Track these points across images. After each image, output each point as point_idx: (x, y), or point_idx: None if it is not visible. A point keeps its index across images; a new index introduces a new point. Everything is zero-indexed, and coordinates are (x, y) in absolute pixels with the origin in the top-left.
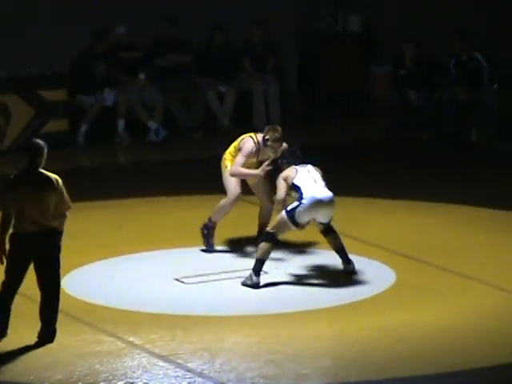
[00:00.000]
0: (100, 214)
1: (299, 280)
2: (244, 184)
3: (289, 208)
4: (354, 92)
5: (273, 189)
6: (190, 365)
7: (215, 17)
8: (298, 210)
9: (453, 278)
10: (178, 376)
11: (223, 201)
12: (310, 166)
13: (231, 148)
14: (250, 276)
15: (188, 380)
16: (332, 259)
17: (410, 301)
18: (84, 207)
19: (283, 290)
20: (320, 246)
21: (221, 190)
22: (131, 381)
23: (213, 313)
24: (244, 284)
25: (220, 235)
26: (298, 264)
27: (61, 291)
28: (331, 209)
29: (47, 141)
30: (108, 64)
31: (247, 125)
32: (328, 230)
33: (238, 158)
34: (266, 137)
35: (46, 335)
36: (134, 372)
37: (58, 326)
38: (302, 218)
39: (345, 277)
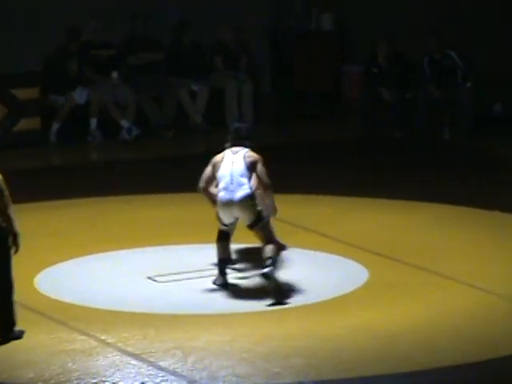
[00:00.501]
0: (72, 213)
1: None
2: None
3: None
4: (328, 91)
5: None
6: (162, 363)
7: (188, 15)
8: (217, 210)
9: (426, 276)
10: (150, 374)
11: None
12: (238, 156)
13: None
14: (217, 276)
15: (160, 378)
16: (304, 258)
17: (382, 299)
18: (56, 206)
19: (255, 288)
20: (291, 244)
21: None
22: (103, 379)
23: (185, 311)
24: (214, 283)
25: (194, 233)
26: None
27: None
28: (246, 209)
29: (19, 139)
30: (81, 62)
31: (220, 123)
32: (267, 243)
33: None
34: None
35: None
36: (106, 370)
37: (31, 324)
38: (223, 219)
39: (317, 275)
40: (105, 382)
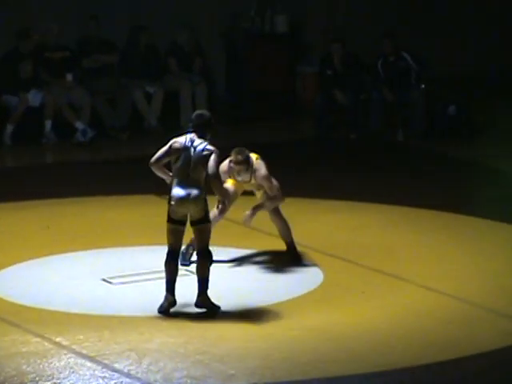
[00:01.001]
0: (26, 215)
1: (225, 281)
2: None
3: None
4: (282, 92)
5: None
6: (116, 365)
7: (139, 17)
8: (170, 208)
9: (381, 277)
10: (105, 377)
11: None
12: (197, 150)
13: None
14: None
15: (115, 380)
16: (259, 259)
17: (337, 301)
18: (10, 207)
19: (210, 290)
20: (247, 246)
21: (148, 190)
22: (58, 381)
23: (140, 313)
24: (161, 309)
25: (149, 235)
26: (223, 265)
27: None
28: (198, 206)
29: None
30: (35, 64)
31: (174, 125)
32: (199, 254)
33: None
34: (230, 158)
35: None
36: (60, 372)
37: None
38: (176, 214)
39: (272, 277)
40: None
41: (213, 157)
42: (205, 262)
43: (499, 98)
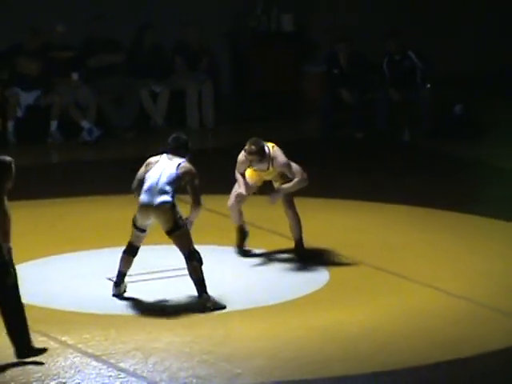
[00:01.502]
0: (32, 214)
1: (232, 280)
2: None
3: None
4: (288, 92)
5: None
6: (122, 364)
7: (147, 16)
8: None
9: (386, 277)
10: (110, 376)
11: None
12: (172, 163)
13: None
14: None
15: (121, 380)
16: (266, 259)
17: (343, 300)
18: (16, 206)
19: (216, 290)
20: (253, 246)
21: None
22: (64, 381)
23: (146, 312)
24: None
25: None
26: (230, 265)
27: None
28: (161, 215)
29: None
30: (40, 63)
31: (181, 125)
32: (187, 258)
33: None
34: (245, 148)
35: None
36: (66, 372)
37: None
38: (139, 221)
39: (278, 276)
40: (65, 383)
41: (195, 180)
42: (193, 264)
43: (503, 98)
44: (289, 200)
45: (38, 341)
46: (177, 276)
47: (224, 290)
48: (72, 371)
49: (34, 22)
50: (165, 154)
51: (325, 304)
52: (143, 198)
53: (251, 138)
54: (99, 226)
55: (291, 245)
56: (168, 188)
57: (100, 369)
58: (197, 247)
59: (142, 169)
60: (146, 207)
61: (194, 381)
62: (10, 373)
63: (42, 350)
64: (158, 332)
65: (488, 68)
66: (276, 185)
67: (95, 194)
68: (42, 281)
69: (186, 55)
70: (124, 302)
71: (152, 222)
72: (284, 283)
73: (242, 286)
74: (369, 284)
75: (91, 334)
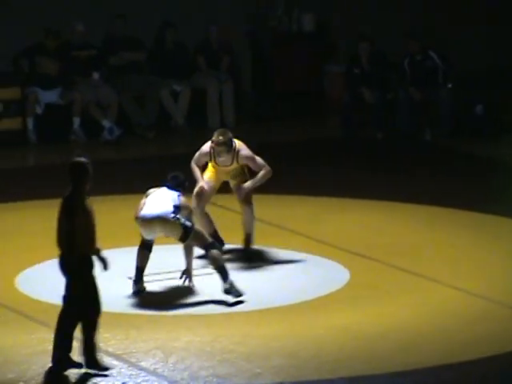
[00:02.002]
0: (53, 212)
1: (252, 279)
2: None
3: None
4: (309, 91)
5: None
6: (143, 363)
7: (168, 15)
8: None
9: (407, 277)
10: (131, 375)
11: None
12: (173, 193)
13: None
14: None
15: (141, 379)
16: (286, 258)
17: (363, 300)
18: (37, 206)
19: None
20: (273, 245)
21: None
22: (84, 379)
23: (167, 311)
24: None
25: None
26: (250, 263)
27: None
28: (167, 226)
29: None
30: (61, 62)
31: (202, 124)
32: (205, 249)
33: (195, 155)
34: (212, 139)
35: None
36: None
37: (11, 325)
38: (144, 234)
39: (298, 276)
40: (86, 382)
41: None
42: (212, 254)
43: None
44: (248, 196)
45: None
46: (196, 275)
47: (244, 289)
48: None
49: (54, 21)
50: (164, 187)
51: (345, 303)
52: (144, 212)
53: (219, 129)
54: (120, 225)
55: (312, 244)
56: (169, 205)
57: (121, 368)
58: None
59: (143, 200)
60: (149, 220)
61: (215, 380)
62: (30, 372)
63: (106, 369)
64: (178, 331)
65: (509, 67)
66: (233, 183)
67: (116, 193)
68: (63, 280)
69: (207, 54)
70: (144, 302)
71: (159, 235)
72: (304, 283)
73: (261, 285)
74: (389, 284)
75: (112, 333)
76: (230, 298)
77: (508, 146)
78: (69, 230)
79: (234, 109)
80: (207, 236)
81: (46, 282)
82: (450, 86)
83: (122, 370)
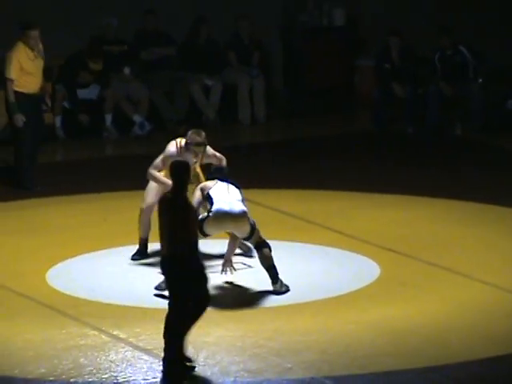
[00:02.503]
0: (85, 207)
1: (282, 275)
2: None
3: (200, 217)
4: (340, 86)
5: None
6: None
7: (199, 10)
8: (206, 221)
9: (437, 272)
10: (162, 370)
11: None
12: (231, 185)
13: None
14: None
15: None
16: (317, 254)
17: (394, 295)
18: (69, 201)
19: (267, 284)
20: (304, 240)
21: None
22: (115, 374)
23: None
24: (157, 288)
25: None
26: (281, 258)
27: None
28: (240, 223)
29: None
30: (93, 58)
31: (232, 119)
32: (257, 247)
33: (156, 160)
34: (189, 140)
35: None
36: (117, 366)
37: (42, 320)
38: (209, 230)
39: (329, 271)
40: (116, 377)
41: None
42: (264, 252)
43: None
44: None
45: (89, 334)
46: (226, 270)
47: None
48: (123, 365)
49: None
50: (217, 180)
51: (375, 298)
52: (221, 207)
53: (193, 130)
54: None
55: (343, 239)
56: (240, 199)
57: (151, 363)
58: None
59: (199, 193)
60: (225, 216)
61: (245, 375)
62: (61, 367)
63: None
64: (209, 326)
65: None
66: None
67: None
68: (94, 274)
69: (238, 50)
70: None
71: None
72: (334, 278)
73: (292, 280)
74: (419, 278)
75: (142, 327)
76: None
77: None
78: (175, 229)
79: (265, 104)
80: (261, 234)
81: (77, 277)
82: (480, 80)
83: (153, 365)
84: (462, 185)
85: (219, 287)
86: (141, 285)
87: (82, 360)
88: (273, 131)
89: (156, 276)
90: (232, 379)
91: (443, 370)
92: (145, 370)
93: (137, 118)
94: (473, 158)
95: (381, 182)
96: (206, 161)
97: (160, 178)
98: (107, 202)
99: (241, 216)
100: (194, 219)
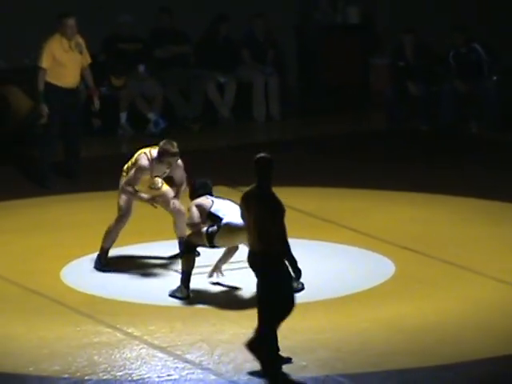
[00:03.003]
0: (100, 205)
1: None
2: None
3: (210, 230)
4: (354, 84)
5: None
6: (188, 356)
7: (214, 8)
8: (218, 233)
9: (452, 269)
10: (176, 367)
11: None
12: (226, 200)
13: (128, 163)
14: (180, 289)
15: (186, 371)
16: (331, 251)
17: (409, 293)
18: (85, 198)
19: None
20: (319, 238)
21: (220, 181)
22: (130, 372)
23: (212, 304)
24: (172, 295)
25: None
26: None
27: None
28: (244, 236)
29: None
30: (108, 55)
31: (247, 117)
32: None
33: (130, 175)
34: (163, 151)
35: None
36: (132, 363)
37: (57, 317)
38: (221, 242)
39: (343, 269)
40: (131, 374)
41: None
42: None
43: None
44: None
45: (103, 332)
46: (240, 268)
47: None
48: (138, 363)
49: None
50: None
51: (390, 296)
52: (232, 219)
53: (165, 141)
54: (167, 218)
55: (358, 237)
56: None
57: (166, 360)
58: None
59: (196, 210)
60: (238, 228)
61: (260, 373)
62: (76, 364)
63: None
64: (223, 324)
65: None
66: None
67: None
68: (107, 272)
69: (253, 47)
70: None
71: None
72: (349, 276)
73: (307, 278)
74: (434, 277)
75: (157, 325)
76: None
77: None
78: (267, 225)
79: (280, 102)
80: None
81: (91, 275)
82: (494, 78)
83: (168, 363)
84: (478, 183)
85: (235, 285)
86: (155, 283)
87: (96, 358)
88: (287, 129)
89: (170, 274)
90: (246, 377)
91: (457, 368)
92: (159, 367)
93: (151, 116)
94: (488, 156)
95: (396, 179)
96: (172, 173)
97: (136, 195)
98: None
99: None
100: (283, 215)
